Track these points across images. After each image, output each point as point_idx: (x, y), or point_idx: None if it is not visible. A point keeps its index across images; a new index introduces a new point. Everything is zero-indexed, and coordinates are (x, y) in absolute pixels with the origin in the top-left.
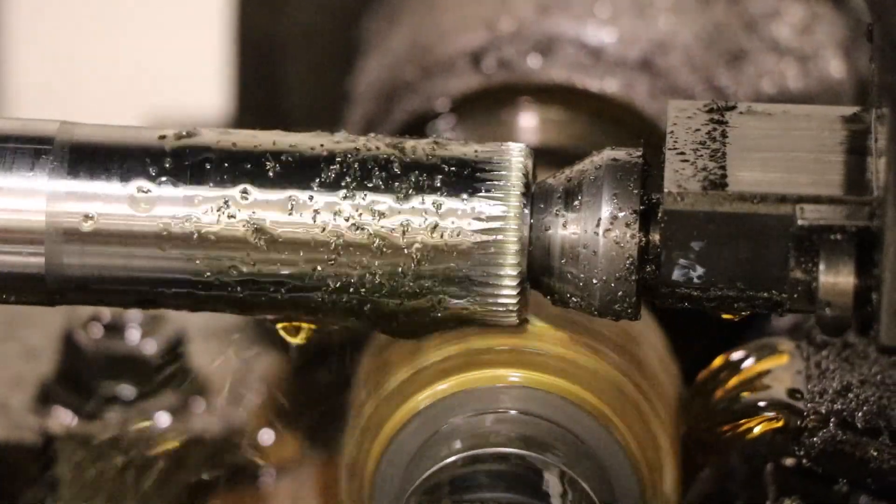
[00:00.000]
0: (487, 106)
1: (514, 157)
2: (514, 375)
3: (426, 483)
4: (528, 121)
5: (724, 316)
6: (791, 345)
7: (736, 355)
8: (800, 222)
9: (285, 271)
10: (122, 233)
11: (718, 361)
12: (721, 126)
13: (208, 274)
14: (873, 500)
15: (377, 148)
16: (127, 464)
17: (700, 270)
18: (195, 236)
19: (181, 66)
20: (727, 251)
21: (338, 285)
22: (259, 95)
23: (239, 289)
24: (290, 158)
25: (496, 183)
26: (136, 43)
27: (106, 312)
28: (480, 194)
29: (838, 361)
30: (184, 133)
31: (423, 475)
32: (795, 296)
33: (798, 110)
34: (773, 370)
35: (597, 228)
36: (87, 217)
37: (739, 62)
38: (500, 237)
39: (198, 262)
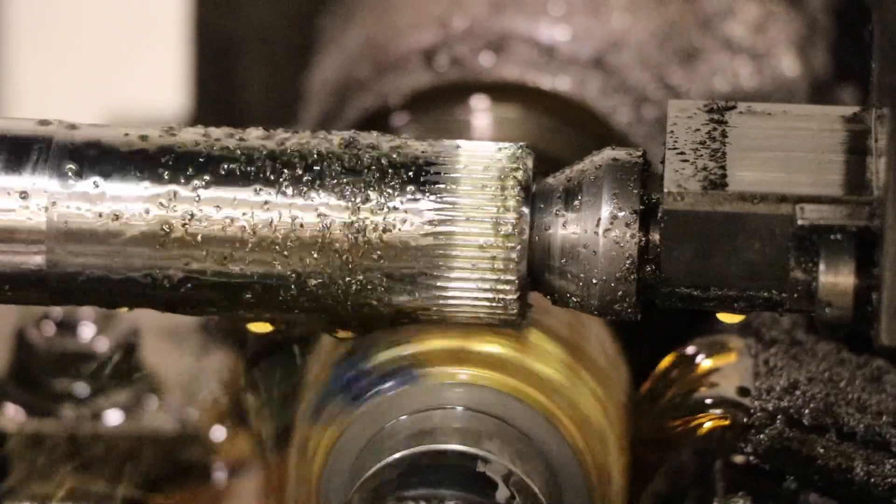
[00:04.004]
0: (440, 104)
1: (515, 156)
2: (462, 373)
3: (372, 480)
4: (481, 118)
5: (726, 318)
6: (741, 342)
7: (686, 353)
8: (800, 222)
9: (281, 271)
10: (123, 232)
11: (668, 359)
12: (721, 126)
13: (210, 273)
14: (822, 499)
15: (368, 144)
16: (79, 461)
17: (700, 270)
18: (198, 236)
19: (138, 65)
20: (727, 251)
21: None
22: (216, 93)
23: (242, 287)
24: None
25: (496, 182)
26: (93, 41)
27: (58, 310)
28: (480, 193)
29: (786, 359)
30: (184, 132)
31: (369, 472)
32: (795, 295)
33: (798, 110)
34: (722, 368)
35: (597, 228)
36: (87, 216)
37: (693, 60)
38: (499, 237)
39: (198, 261)
